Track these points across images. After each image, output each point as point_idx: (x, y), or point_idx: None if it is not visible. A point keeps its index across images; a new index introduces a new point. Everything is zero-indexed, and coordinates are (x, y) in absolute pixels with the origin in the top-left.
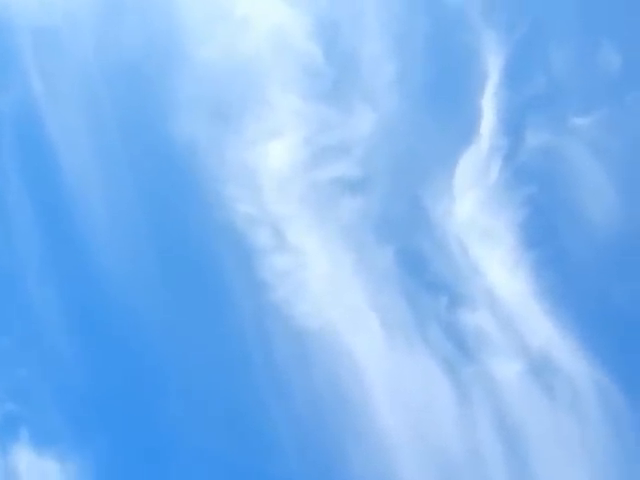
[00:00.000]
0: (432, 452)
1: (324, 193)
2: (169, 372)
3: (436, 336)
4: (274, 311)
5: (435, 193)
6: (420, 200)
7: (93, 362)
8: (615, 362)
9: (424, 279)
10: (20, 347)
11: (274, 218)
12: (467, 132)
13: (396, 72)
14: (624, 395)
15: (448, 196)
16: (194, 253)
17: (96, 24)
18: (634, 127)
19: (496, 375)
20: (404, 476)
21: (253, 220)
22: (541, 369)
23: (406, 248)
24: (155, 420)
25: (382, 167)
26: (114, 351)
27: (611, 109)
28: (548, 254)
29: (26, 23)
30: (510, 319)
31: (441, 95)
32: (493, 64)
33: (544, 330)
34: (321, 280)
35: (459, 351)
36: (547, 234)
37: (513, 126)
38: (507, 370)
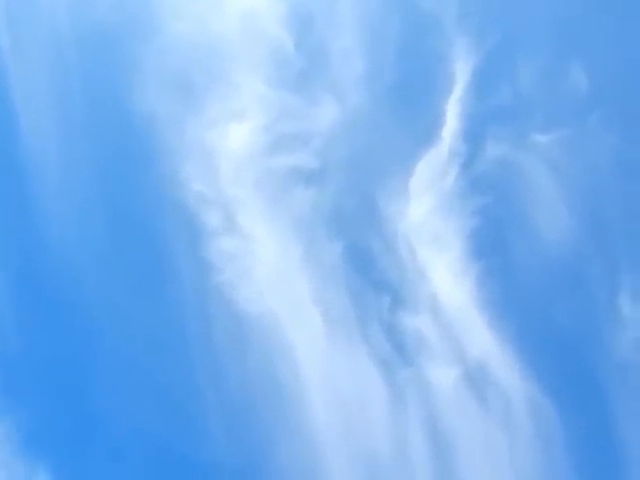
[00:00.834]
0: (360, 450)
1: (279, 181)
2: (106, 343)
3: (376, 336)
4: (217, 293)
5: (390, 193)
6: (374, 198)
7: (29, 328)
8: (549, 378)
9: (370, 278)
10: None
11: (227, 200)
12: (428, 136)
13: (364, 69)
14: (554, 411)
15: (403, 197)
16: (143, 227)
17: None
18: (593, 150)
19: (431, 380)
20: (330, 471)
21: (205, 200)
22: (476, 378)
23: (355, 245)
24: (87, 390)
25: (340, 161)
26: (52, 318)
27: (573, 129)
28: (494, 265)
29: None
30: (450, 326)
31: (407, 96)
32: (461, 71)
33: (483, 340)
34: (267, 267)
35: (397, 353)
36: (496, 245)
37: (474, 135)
38: (443, 376)
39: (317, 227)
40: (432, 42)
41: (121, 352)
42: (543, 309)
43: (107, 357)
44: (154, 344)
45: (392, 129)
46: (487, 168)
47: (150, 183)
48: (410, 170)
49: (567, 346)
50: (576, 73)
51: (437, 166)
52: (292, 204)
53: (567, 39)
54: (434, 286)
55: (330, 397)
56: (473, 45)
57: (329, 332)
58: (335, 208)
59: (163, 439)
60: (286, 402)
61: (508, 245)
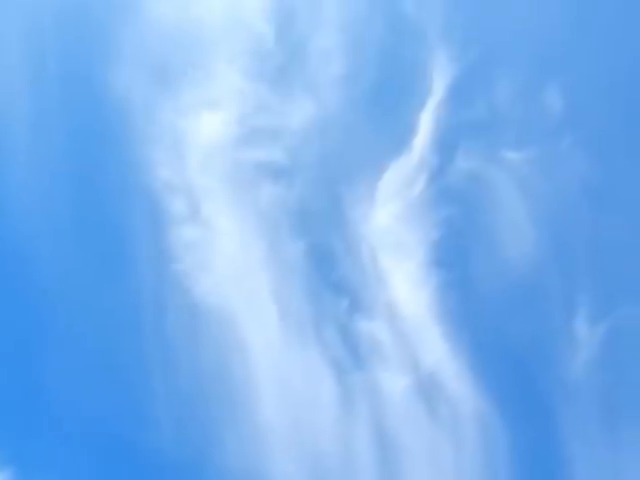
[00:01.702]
0: (306, 451)
1: (247, 174)
2: (57, 325)
3: (331, 337)
4: (174, 282)
5: (357, 196)
6: (341, 200)
7: None
8: (499, 393)
9: (329, 279)
10: None
11: (192, 189)
12: (400, 143)
13: (343, 70)
14: (502, 426)
15: (369, 202)
16: (105, 208)
17: None
18: (562, 171)
19: (382, 386)
20: (275, 470)
21: (171, 187)
22: (427, 388)
23: (317, 245)
24: (34, 372)
25: (309, 160)
26: (1, 295)
27: (544, 150)
28: (454, 277)
29: None
30: (405, 334)
31: (382, 102)
32: (439, 82)
33: (436, 350)
34: (227, 260)
35: (350, 356)
36: (457, 257)
37: (446, 146)
38: (394, 383)
39: (281, 224)
40: (413, 50)
41: (72, 335)
42: (499, 324)
43: (57, 339)
44: (106, 328)
45: (365, 133)
46: (455, 180)
47: (117, 165)
48: (379, 175)
49: (520, 363)
50: (552, 95)
51: (406, 174)
52: (258, 199)
53: (546, 60)
54: (392, 293)
55: (280, 395)
56: (453, 57)
57: (284, 329)
58: (301, 206)
59: (109, 424)
60: (236, 397)
61: (469, 258)
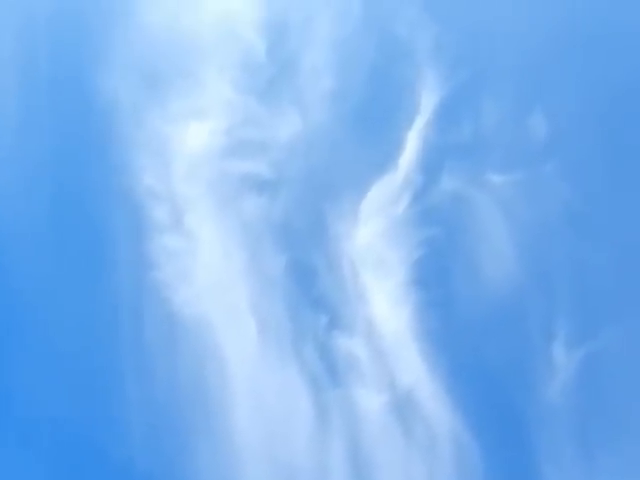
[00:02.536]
0: (280, 466)
1: (232, 186)
2: (30, 327)
3: (309, 353)
4: (153, 290)
5: (340, 212)
6: (324, 216)
7: None
8: (475, 415)
9: (309, 295)
10: None
11: (176, 198)
12: (385, 161)
13: (332, 87)
14: (477, 448)
15: (352, 219)
16: (87, 213)
17: None
18: (545, 197)
19: (359, 404)
20: None
21: (155, 194)
22: (403, 407)
23: (299, 260)
24: (6, 372)
25: (295, 174)
26: None
27: (528, 174)
28: (434, 297)
29: None
30: (383, 352)
31: (370, 120)
32: (427, 102)
33: (414, 370)
34: (208, 271)
35: (328, 372)
36: (437, 278)
37: (431, 166)
38: (370, 401)
39: (263, 237)
40: (402, 70)
41: (47, 338)
42: (477, 345)
43: (32, 342)
44: (82, 332)
45: (351, 150)
46: (439, 201)
47: (101, 169)
48: (363, 193)
49: (497, 385)
50: (537, 120)
51: (390, 193)
52: (241, 211)
53: (533, 85)
54: (372, 310)
55: (255, 408)
56: (441, 79)
57: (262, 343)
58: (284, 221)
59: (80, 430)
60: (210, 408)
61: (450, 279)
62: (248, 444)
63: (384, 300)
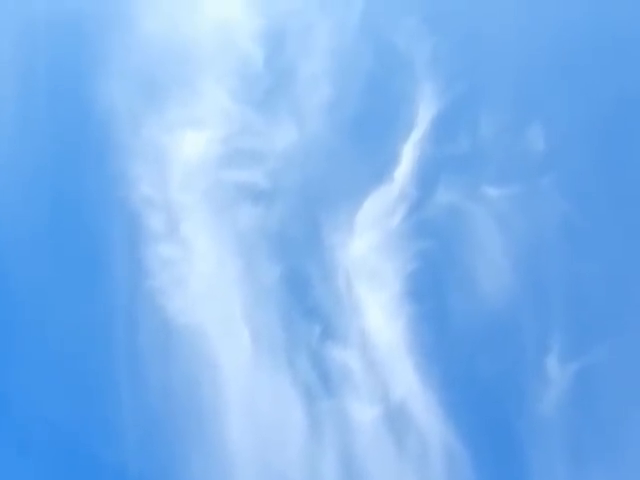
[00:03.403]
0: (272, 476)
1: (228, 195)
2: (26, 334)
3: (302, 363)
4: (148, 298)
5: (336, 223)
6: (319, 226)
7: None
8: (468, 428)
9: (304, 305)
10: None
11: (172, 206)
12: (381, 173)
13: (329, 97)
14: (470, 461)
15: (347, 230)
16: (83, 221)
17: None
18: (541, 211)
19: (352, 415)
20: None
21: (150, 203)
22: (396, 419)
23: (294, 270)
24: (1, 379)
25: (290, 185)
26: None
27: (524, 188)
28: (428, 310)
29: None
30: (377, 364)
31: (366, 131)
32: (423, 115)
33: (407, 382)
34: (202, 279)
35: (321, 383)
36: (432, 291)
37: (426, 179)
38: (363, 413)
39: (258, 247)
40: (400, 81)
41: (42, 345)
42: (471, 358)
43: (26, 349)
44: (77, 340)
45: (347, 161)
46: (434, 214)
47: (98, 178)
48: (358, 204)
49: (490, 398)
50: (534, 134)
51: (385, 205)
52: (237, 220)
53: (531, 99)
54: (366, 322)
55: (248, 417)
56: (439, 91)
57: (256, 353)
58: (279, 231)
59: (74, 436)
60: (204, 417)
61: (444, 292)
62: (241, 452)
63: (378, 311)
